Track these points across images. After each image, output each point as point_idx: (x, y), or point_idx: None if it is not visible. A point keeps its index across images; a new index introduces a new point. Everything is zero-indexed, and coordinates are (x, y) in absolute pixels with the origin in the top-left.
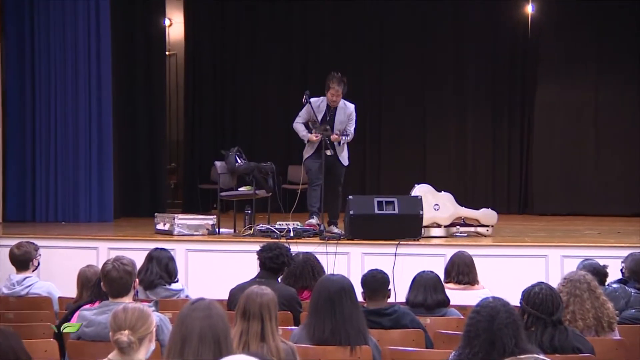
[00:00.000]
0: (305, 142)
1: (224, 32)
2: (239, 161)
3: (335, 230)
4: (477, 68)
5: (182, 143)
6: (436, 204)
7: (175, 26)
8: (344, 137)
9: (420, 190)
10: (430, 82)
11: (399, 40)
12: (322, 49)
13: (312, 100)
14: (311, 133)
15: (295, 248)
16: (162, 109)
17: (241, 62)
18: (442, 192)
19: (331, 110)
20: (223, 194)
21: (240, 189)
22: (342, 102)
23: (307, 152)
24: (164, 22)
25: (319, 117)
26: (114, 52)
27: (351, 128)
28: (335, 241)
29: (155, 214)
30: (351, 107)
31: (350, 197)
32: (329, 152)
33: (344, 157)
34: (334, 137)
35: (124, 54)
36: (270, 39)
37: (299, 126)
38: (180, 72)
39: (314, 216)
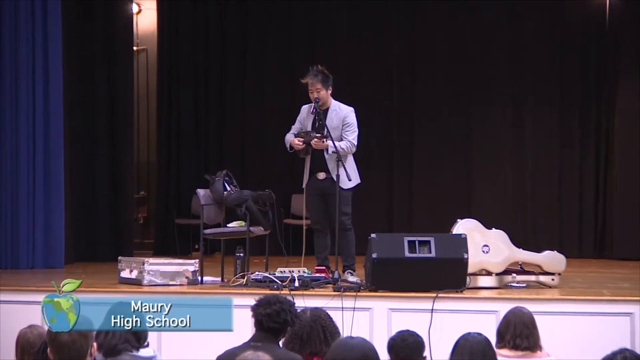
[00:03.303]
0: (289, 150)
1: (208, 22)
2: (228, 189)
3: (352, 278)
4: (539, 72)
5: (153, 165)
6: (485, 245)
7: (145, 14)
8: (331, 143)
9: (465, 227)
10: (478, 90)
11: (437, 38)
12: (334, 49)
13: (303, 107)
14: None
15: (302, 302)
16: (129, 120)
17: (230, 61)
18: (493, 229)
19: (321, 115)
20: (207, 231)
21: (229, 225)
22: (335, 104)
23: (304, 178)
24: (132, 9)
25: (309, 124)
26: (66, 47)
27: (350, 136)
28: (354, 293)
29: (119, 257)
30: (346, 109)
31: (373, 235)
32: (321, 176)
33: (344, 177)
34: (314, 141)
35: (80, 49)
36: (268, 33)
37: (287, 137)
38: (152, 73)
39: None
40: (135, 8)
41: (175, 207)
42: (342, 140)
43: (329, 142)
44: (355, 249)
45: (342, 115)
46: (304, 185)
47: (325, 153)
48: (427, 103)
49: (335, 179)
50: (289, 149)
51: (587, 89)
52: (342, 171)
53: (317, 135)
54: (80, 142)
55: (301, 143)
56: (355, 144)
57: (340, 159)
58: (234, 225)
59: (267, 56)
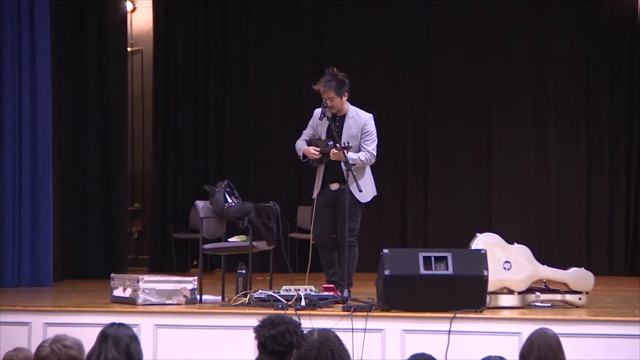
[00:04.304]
0: (301, 158)
1: (207, 21)
2: (230, 200)
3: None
4: (564, 75)
5: (149, 175)
6: (507, 261)
7: (140, 12)
8: (350, 155)
9: (485, 241)
10: (498, 95)
11: (454, 39)
12: (342, 49)
13: (316, 110)
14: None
15: (309, 323)
16: (122, 127)
17: (231, 62)
18: (515, 244)
19: (337, 121)
20: (207, 246)
21: (231, 240)
22: (353, 110)
23: (315, 188)
24: (125, 7)
25: (323, 131)
26: (54, 49)
27: (370, 146)
28: (365, 313)
29: (112, 275)
30: (365, 116)
31: (386, 251)
32: (333, 187)
33: (360, 191)
34: (334, 152)
35: (70, 50)
36: (272, 32)
37: (298, 143)
38: (147, 76)
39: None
40: (129, 6)
41: (172, 220)
42: (360, 150)
43: (347, 153)
44: (354, 268)
45: (361, 122)
46: (314, 196)
47: (342, 164)
48: (443, 108)
49: (349, 190)
50: (301, 158)
51: (617, 93)
52: (354, 185)
53: (337, 146)
54: (70, 150)
55: (317, 153)
56: (375, 154)
57: (353, 172)
58: (235, 239)
59: (271, 56)
